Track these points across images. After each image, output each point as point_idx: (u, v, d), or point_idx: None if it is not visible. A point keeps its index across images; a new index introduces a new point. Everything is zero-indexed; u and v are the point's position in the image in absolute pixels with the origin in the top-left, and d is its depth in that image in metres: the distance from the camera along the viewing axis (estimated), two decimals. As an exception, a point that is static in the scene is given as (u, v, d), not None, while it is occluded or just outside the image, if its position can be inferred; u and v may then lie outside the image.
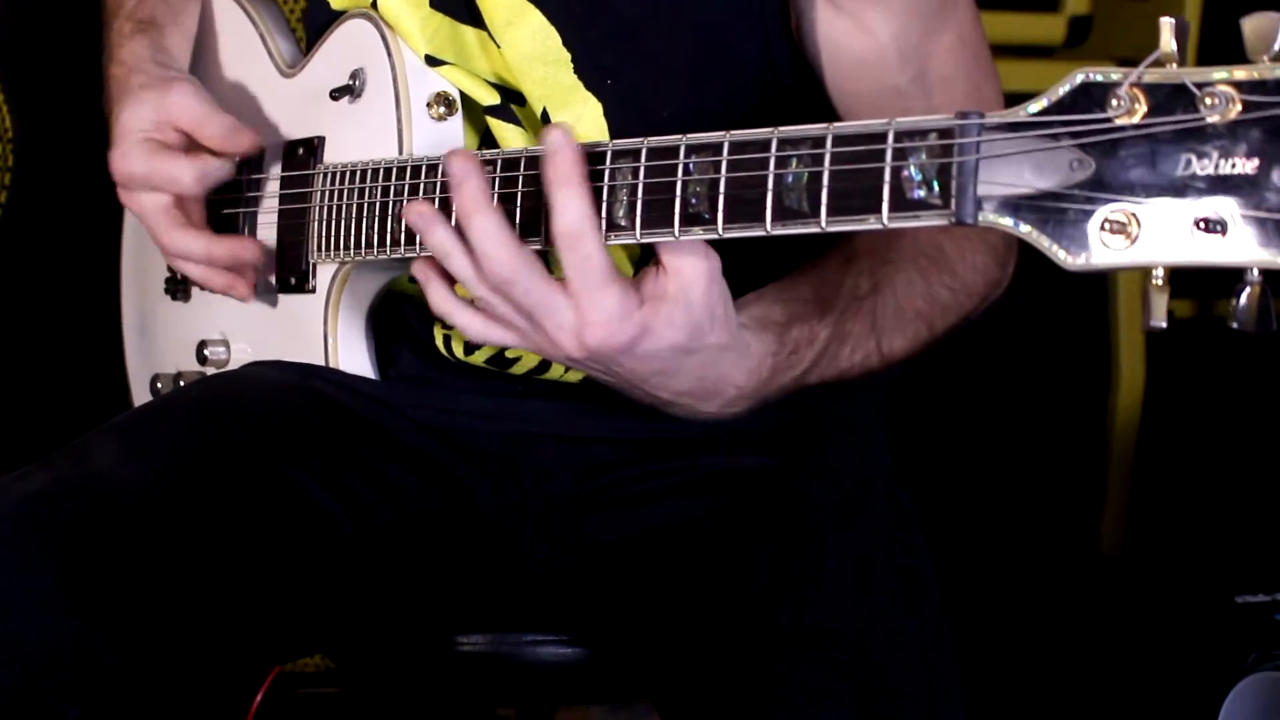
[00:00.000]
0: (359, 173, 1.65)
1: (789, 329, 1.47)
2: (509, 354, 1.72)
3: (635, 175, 1.33)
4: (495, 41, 1.65)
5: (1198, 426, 3.32)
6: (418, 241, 1.56)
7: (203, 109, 1.74)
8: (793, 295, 1.51)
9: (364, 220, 1.63)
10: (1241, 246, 1.00)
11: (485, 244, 1.33)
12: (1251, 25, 0.99)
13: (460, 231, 1.35)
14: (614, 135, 1.60)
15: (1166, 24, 1.02)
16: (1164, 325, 1.06)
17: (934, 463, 3.03)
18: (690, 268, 1.32)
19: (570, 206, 1.30)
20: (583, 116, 1.62)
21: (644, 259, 1.66)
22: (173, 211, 1.73)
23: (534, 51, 1.62)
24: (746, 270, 1.49)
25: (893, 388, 1.85)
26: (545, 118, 1.63)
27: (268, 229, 1.80)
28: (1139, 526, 3.30)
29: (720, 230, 1.28)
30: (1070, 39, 3.33)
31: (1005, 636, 2.82)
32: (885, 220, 1.15)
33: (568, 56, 1.62)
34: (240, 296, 1.77)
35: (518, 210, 1.41)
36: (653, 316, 1.33)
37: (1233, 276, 1.04)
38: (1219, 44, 1.16)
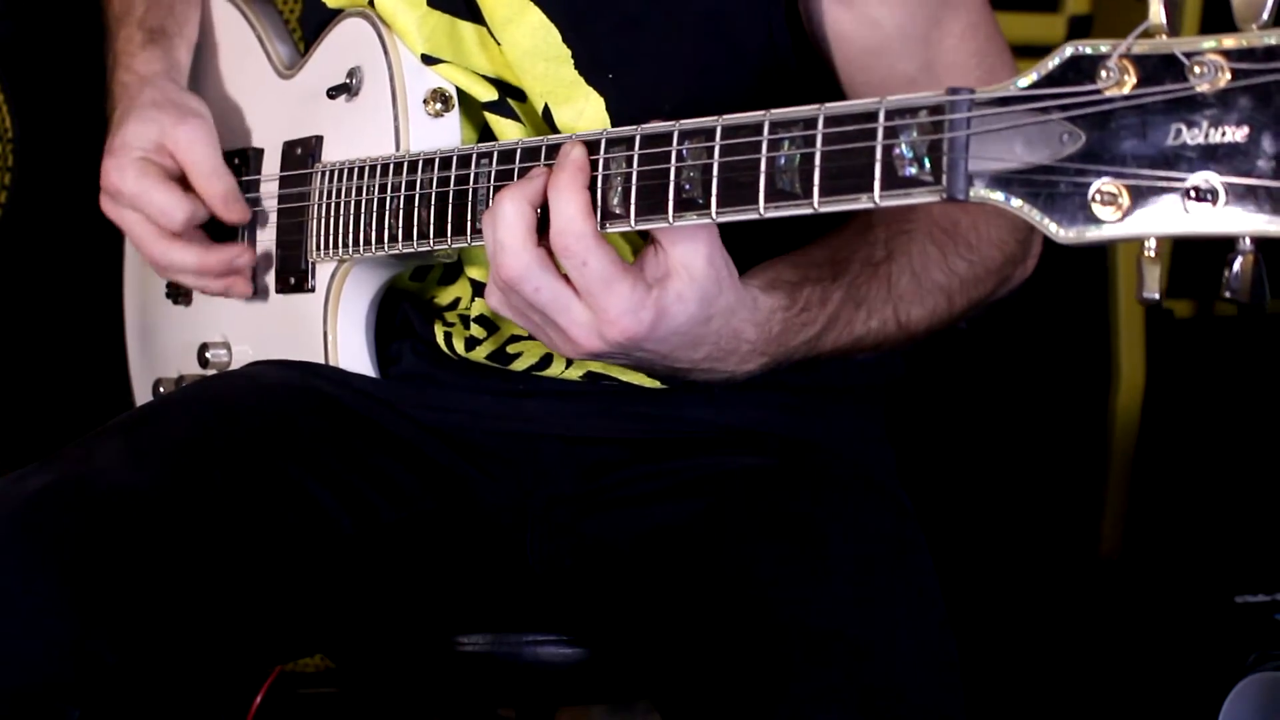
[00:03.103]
0: (357, 170, 1.65)
1: (800, 288, 1.48)
2: (510, 350, 1.72)
3: (629, 164, 1.34)
4: (495, 38, 1.65)
5: (1198, 427, 3.31)
6: (415, 236, 1.57)
7: (209, 159, 1.74)
8: (805, 259, 1.52)
9: (362, 217, 1.64)
10: (1233, 215, 1.00)
11: (503, 236, 1.36)
12: None
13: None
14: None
15: None
16: (1157, 297, 1.06)
17: (934, 464, 3.02)
18: (687, 239, 1.34)
19: (565, 210, 1.34)
20: (585, 111, 1.62)
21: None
22: (157, 226, 1.73)
23: (534, 48, 1.63)
24: (757, 256, 1.50)
25: (893, 388, 1.85)
26: (547, 113, 1.63)
27: (266, 229, 1.80)
28: (1139, 527, 3.30)
29: (714, 214, 1.28)
30: (1070, 39, 3.30)
31: (1005, 638, 2.81)
32: (877, 199, 1.15)
33: (568, 53, 1.63)
34: (240, 294, 1.78)
35: None
36: (664, 297, 1.36)
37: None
38: (1220, 20, 1.16)
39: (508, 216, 1.36)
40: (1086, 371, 3.31)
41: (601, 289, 1.34)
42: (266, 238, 1.80)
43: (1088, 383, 3.31)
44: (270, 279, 1.80)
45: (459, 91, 1.68)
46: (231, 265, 1.75)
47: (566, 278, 1.37)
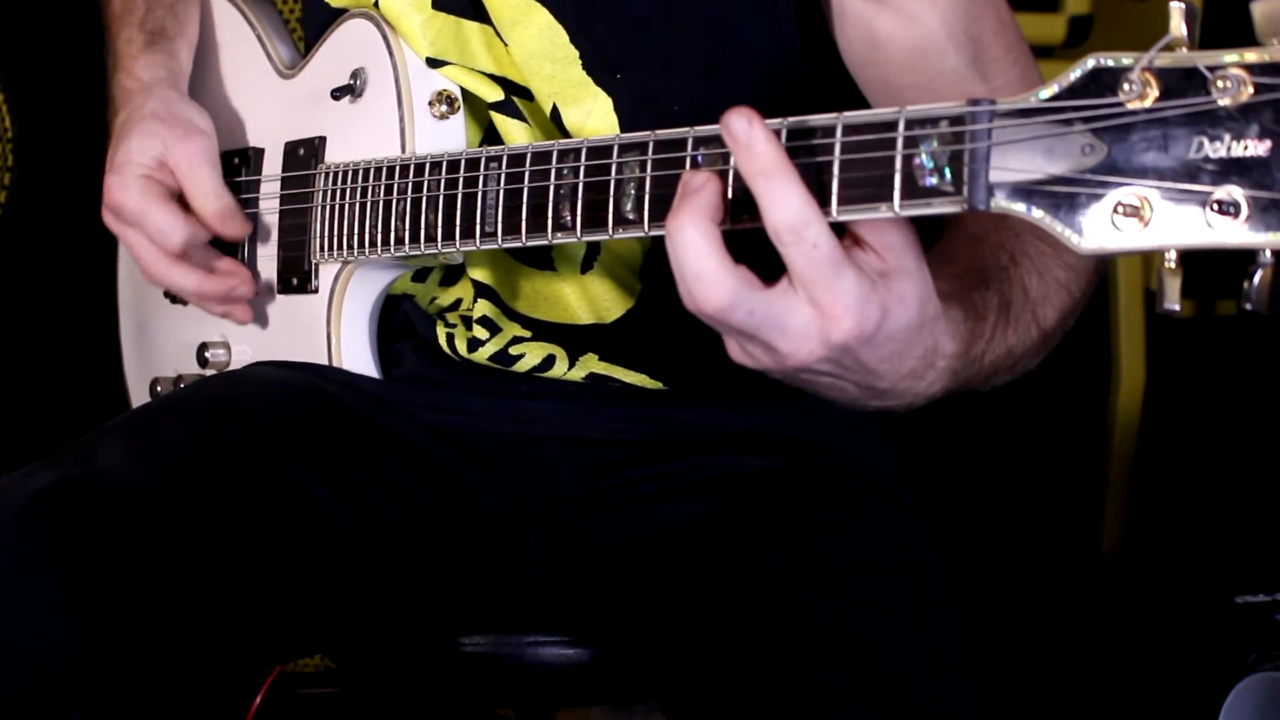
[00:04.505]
0: (361, 172, 1.65)
1: (969, 295, 1.37)
2: (512, 351, 1.72)
3: (643, 169, 1.33)
4: (502, 39, 1.65)
5: (1198, 426, 3.32)
6: (422, 239, 1.56)
7: (209, 178, 1.73)
8: (945, 270, 1.38)
9: (368, 219, 1.63)
10: (1254, 228, 1.00)
11: (695, 264, 1.19)
12: (1262, 9, 0.99)
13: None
14: (624, 130, 1.60)
15: (1176, 8, 1.02)
16: (1178, 308, 1.07)
17: (934, 463, 3.02)
18: (900, 238, 1.20)
19: (785, 197, 1.17)
20: (593, 112, 1.62)
21: (653, 250, 1.66)
22: (159, 245, 1.72)
23: (541, 49, 1.62)
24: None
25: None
26: (555, 114, 1.63)
27: (269, 229, 1.79)
28: (1139, 526, 3.30)
29: (729, 223, 1.27)
30: (1070, 39, 3.32)
31: (1005, 637, 2.82)
32: (897, 209, 1.15)
33: (575, 54, 1.62)
34: (237, 320, 1.78)
35: (579, 205, 1.38)
36: (888, 295, 1.20)
37: (1236, 274, 1.05)
38: (1220, 29, 1.16)
39: (692, 241, 1.18)
40: (1086, 371, 3.31)
41: (831, 276, 1.17)
42: (268, 239, 1.79)
43: (1088, 383, 3.31)
44: (272, 279, 1.79)
45: (464, 91, 1.67)
46: (231, 292, 1.75)
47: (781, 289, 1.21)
